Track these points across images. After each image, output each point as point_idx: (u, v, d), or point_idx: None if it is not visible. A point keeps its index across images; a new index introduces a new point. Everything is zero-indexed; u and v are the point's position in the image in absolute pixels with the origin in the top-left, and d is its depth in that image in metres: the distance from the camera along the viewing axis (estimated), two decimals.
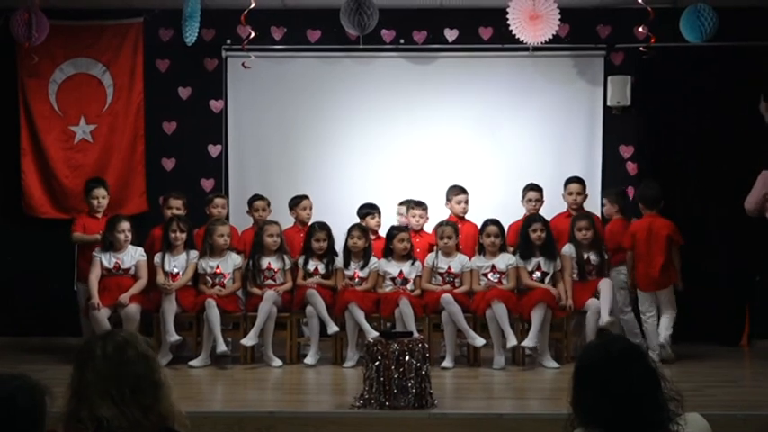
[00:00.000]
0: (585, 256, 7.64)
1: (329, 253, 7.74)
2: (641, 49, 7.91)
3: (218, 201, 8.21)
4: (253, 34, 7.77)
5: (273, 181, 8.75)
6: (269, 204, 8.20)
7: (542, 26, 7.57)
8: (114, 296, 7.46)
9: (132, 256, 7.68)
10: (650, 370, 3.02)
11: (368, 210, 8.08)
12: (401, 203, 8.25)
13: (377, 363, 5.48)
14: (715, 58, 8.45)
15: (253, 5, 7.15)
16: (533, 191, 8.10)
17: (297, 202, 8.13)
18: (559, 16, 7.58)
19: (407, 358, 5.50)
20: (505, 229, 7.79)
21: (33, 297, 8.81)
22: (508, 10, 7.62)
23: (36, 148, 8.88)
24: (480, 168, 8.66)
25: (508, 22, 7.65)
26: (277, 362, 7.37)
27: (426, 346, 5.80)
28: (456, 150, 8.75)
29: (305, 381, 6.96)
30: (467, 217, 8.19)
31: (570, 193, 8.05)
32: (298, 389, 6.55)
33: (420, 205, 8.10)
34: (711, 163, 8.72)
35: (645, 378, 2.98)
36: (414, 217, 8.07)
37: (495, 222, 7.68)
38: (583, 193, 8.08)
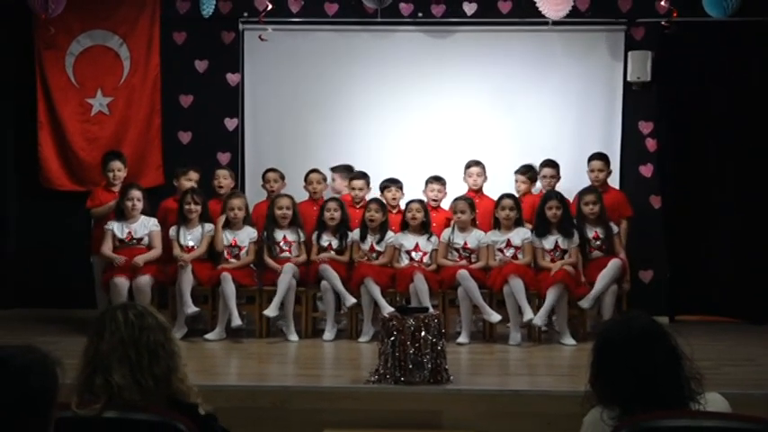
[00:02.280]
0: (594, 231, 7.58)
1: (342, 226, 7.70)
2: (663, 23, 7.81)
3: (220, 172, 8.21)
4: (270, 6, 7.71)
5: (289, 154, 8.71)
6: (282, 177, 8.18)
7: (563, 1, 7.48)
8: (127, 267, 7.42)
9: (145, 225, 7.66)
10: (671, 348, 3.00)
11: (386, 183, 8.04)
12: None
13: (392, 338, 5.45)
14: (738, 34, 8.33)
15: None
16: (548, 167, 8.04)
17: (306, 177, 8.11)
18: None
19: (423, 334, 5.46)
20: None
21: (50, 269, 8.84)
22: None
23: (53, 120, 8.87)
24: (499, 143, 8.60)
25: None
26: (294, 336, 7.36)
27: (442, 321, 5.76)
28: (474, 125, 8.68)
29: (320, 355, 6.94)
30: (485, 192, 8.14)
31: (592, 170, 7.98)
32: (313, 363, 6.53)
33: (438, 180, 8.06)
34: (732, 140, 8.63)
35: (666, 356, 2.96)
36: (432, 191, 8.02)
37: (511, 196, 7.63)
38: (606, 170, 8.00)
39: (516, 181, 8.07)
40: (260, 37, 8.04)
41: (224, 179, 8.13)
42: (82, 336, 7.06)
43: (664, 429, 2.79)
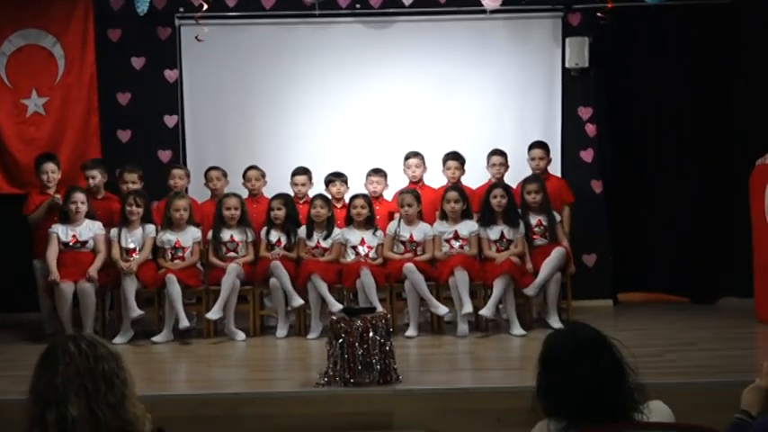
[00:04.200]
0: (537, 219, 7.64)
1: (290, 223, 7.68)
2: (598, 14, 7.85)
3: (176, 171, 8.11)
4: (206, 7, 7.62)
5: (231, 151, 8.66)
6: (225, 175, 8.14)
7: None
8: (72, 271, 7.35)
9: (90, 228, 7.58)
10: (615, 359, 3.03)
11: (330, 177, 8.03)
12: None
13: (340, 340, 5.45)
14: (674, 18, 8.44)
15: None
16: (497, 155, 8.08)
17: (244, 174, 8.08)
18: None
19: (371, 335, 5.47)
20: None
21: None
22: None
23: None
24: (440, 133, 8.60)
25: None
26: (240, 335, 7.33)
27: (390, 321, 5.77)
28: (415, 115, 8.69)
29: (269, 356, 6.91)
30: (426, 182, 8.16)
31: (533, 158, 8.05)
32: (262, 365, 6.50)
33: (378, 172, 8.06)
34: (670, 123, 8.78)
35: (610, 367, 2.99)
36: (372, 184, 8.03)
37: (456, 188, 7.66)
38: (546, 158, 8.07)
39: (450, 168, 8.06)
40: (197, 38, 7.94)
41: (180, 179, 8.04)
42: (25, 343, 7.01)
43: None
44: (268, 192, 8.10)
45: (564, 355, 3.00)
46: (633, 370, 3.03)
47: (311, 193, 8.01)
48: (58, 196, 7.77)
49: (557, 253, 7.43)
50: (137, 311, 7.21)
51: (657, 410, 3.02)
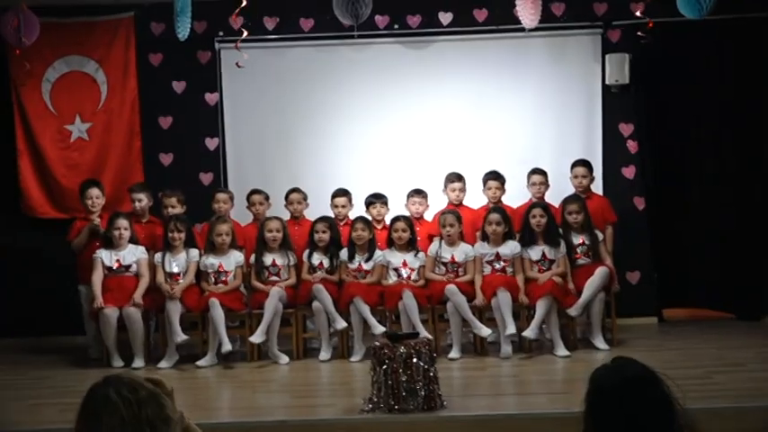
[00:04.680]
0: (579, 238, 7.60)
1: (333, 246, 7.70)
2: (639, 33, 7.79)
3: (220, 196, 8.16)
4: (246, 33, 7.67)
5: (272, 173, 8.69)
6: (267, 198, 8.17)
7: (537, 9, 7.47)
8: (117, 296, 7.46)
9: (133, 253, 7.68)
10: (664, 396, 2.99)
11: (371, 199, 8.04)
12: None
13: (384, 366, 5.45)
14: (714, 33, 8.36)
15: (244, 4, 7.03)
16: (537, 174, 8.05)
17: (286, 196, 8.12)
18: None
19: (415, 360, 5.46)
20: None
21: (37, 297, 8.77)
22: None
23: (32, 148, 8.82)
24: (480, 152, 8.57)
25: (516, 3, 7.53)
26: (284, 359, 7.36)
27: (433, 346, 5.76)
28: (455, 135, 8.68)
29: (313, 380, 6.94)
30: (465, 203, 8.14)
31: (576, 176, 8.01)
32: (306, 391, 6.50)
33: (419, 193, 8.07)
34: (712, 139, 8.69)
35: (659, 405, 2.95)
36: (413, 205, 8.03)
37: (497, 210, 7.63)
38: (589, 176, 8.03)
39: (490, 188, 8.04)
40: (237, 64, 7.96)
41: (224, 203, 8.09)
42: (71, 368, 7.08)
43: None
44: (308, 214, 8.13)
45: (610, 392, 2.96)
46: (683, 407, 3.00)
47: (351, 215, 8.03)
48: (98, 221, 7.86)
49: (600, 272, 7.38)
50: (181, 336, 7.27)
51: None
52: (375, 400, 5.46)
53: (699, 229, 8.73)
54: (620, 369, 3.05)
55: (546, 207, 7.65)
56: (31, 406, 6.16)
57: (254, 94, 8.81)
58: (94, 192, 7.99)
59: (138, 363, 7.38)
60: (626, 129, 8.71)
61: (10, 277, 8.83)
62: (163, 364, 7.33)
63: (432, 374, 5.50)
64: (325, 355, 7.38)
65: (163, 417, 2.93)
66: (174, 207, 8.00)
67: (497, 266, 7.50)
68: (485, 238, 7.59)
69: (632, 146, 8.71)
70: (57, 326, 8.65)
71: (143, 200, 8.09)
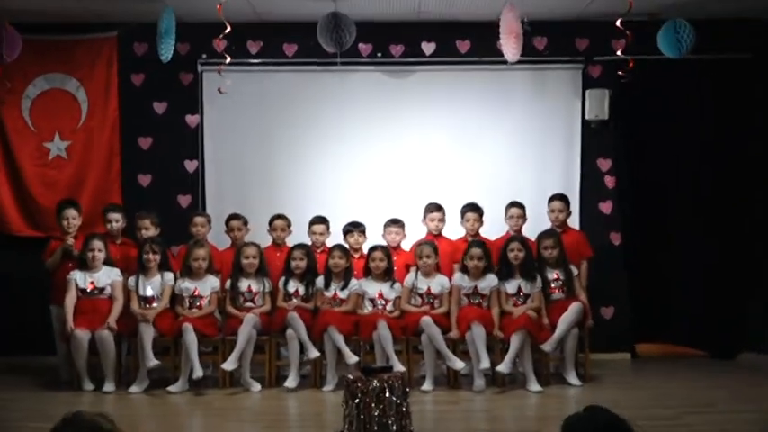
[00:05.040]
0: (554, 273, 7.62)
1: (309, 273, 7.69)
2: (619, 73, 7.85)
3: (197, 219, 8.13)
4: (229, 59, 7.68)
5: (251, 197, 8.68)
6: (245, 223, 8.14)
7: (519, 43, 7.53)
8: (90, 319, 7.41)
9: (108, 275, 7.63)
10: None
11: (349, 227, 8.03)
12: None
13: (357, 400, 5.42)
14: (693, 71, 8.45)
15: (228, 30, 7.03)
16: (515, 207, 8.07)
17: (269, 223, 8.08)
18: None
19: (387, 395, 5.43)
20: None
21: (9, 316, 8.71)
22: (500, 27, 7.53)
23: (9, 164, 8.78)
24: (459, 183, 8.59)
25: (499, 39, 7.59)
26: (256, 386, 7.33)
27: (406, 380, 5.73)
28: (434, 165, 8.71)
29: (285, 410, 6.89)
30: (443, 233, 8.15)
31: (552, 211, 8.03)
32: (279, 422, 6.45)
33: (396, 223, 8.07)
34: (689, 176, 8.76)
35: None
36: (389, 234, 8.03)
37: (479, 244, 7.63)
38: (565, 211, 8.06)
39: (468, 220, 8.06)
40: (219, 90, 7.96)
41: (201, 227, 8.06)
42: (42, 391, 6.99)
43: None
44: (288, 240, 8.11)
45: None
46: None
47: (328, 242, 8.02)
48: (71, 241, 7.80)
49: (574, 308, 7.40)
50: (153, 361, 7.22)
51: None
52: None
53: (675, 265, 8.79)
54: (592, 418, 3.07)
55: (524, 241, 7.67)
56: (1, 430, 6.07)
57: (236, 117, 8.81)
58: (71, 212, 7.93)
59: (109, 387, 7.32)
60: (604, 164, 8.77)
61: None
62: (134, 388, 7.28)
63: (404, 409, 5.48)
64: (292, 383, 7.31)
65: None
66: (148, 229, 7.97)
67: (474, 301, 7.50)
68: (464, 270, 7.59)
69: (610, 181, 8.77)
70: (28, 346, 8.56)
71: (119, 221, 8.04)
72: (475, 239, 7.81)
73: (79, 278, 7.56)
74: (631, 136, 8.73)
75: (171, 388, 7.25)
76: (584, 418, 3.11)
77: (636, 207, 8.79)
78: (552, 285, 7.61)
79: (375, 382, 5.48)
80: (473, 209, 8.03)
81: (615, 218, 8.75)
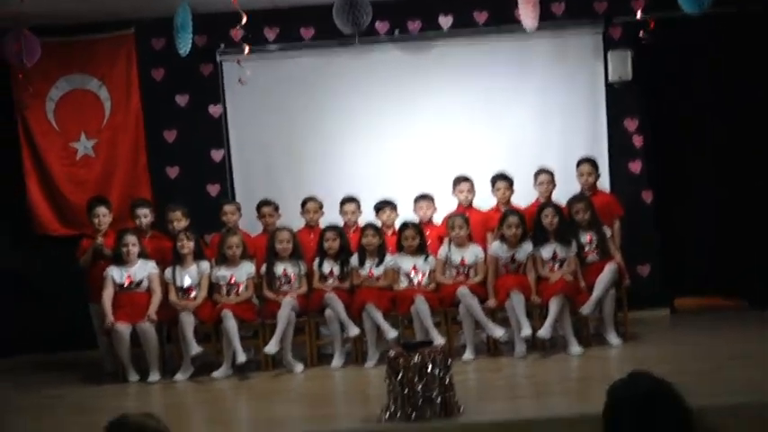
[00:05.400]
0: (587, 236, 7.61)
1: (343, 253, 7.73)
2: (640, 35, 7.78)
3: (227, 208, 8.17)
4: (247, 49, 7.70)
5: (280, 182, 8.74)
6: (276, 209, 8.18)
7: (536, 11, 7.49)
8: (129, 313, 7.47)
9: (144, 268, 7.69)
10: (680, 410, 3.02)
11: (380, 205, 8.06)
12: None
13: (399, 376, 5.46)
14: (714, 26, 8.35)
15: (244, 20, 7.04)
16: (544, 173, 8.06)
17: (302, 206, 8.13)
18: None
19: (429, 369, 5.47)
20: None
21: (49, 314, 8.80)
22: None
23: (39, 166, 8.89)
24: (486, 154, 8.59)
25: (517, 8, 7.56)
26: (299, 367, 7.39)
27: (447, 353, 5.74)
28: (460, 137, 8.70)
29: (328, 389, 6.96)
30: (474, 204, 8.16)
31: (581, 174, 8.01)
32: (323, 400, 6.52)
33: (426, 197, 8.09)
34: (717, 128, 8.70)
35: (675, 419, 2.98)
36: (420, 210, 8.05)
37: (515, 213, 7.64)
38: (594, 173, 8.03)
39: (499, 189, 8.06)
40: (240, 80, 7.95)
41: (231, 215, 8.11)
42: (88, 385, 7.10)
43: None
44: (321, 222, 8.14)
45: (630, 408, 2.99)
46: (698, 415, 3.01)
47: (360, 221, 8.05)
48: (101, 240, 7.85)
49: (609, 269, 7.40)
50: (196, 349, 7.30)
51: None
52: (392, 409, 5.46)
53: (709, 219, 8.75)
54: (636, 383, 3.09)
55: (556, 206, 7.66)
56: (51, 426, 6.17)
57: (258, 104, 8.84)
58: (101, 210, 7.98)
59: (154, 377, 7.41)
60: (631, 124, 8.74)
61: (23, 294, 8.88)
62: (179, 376, 7.37)
63: (447, 381, 5.51)
64: (338, 362, 7.41)
65: None
66: (180, 221, 8.00)
67: (512, 268, 7.52)
68: (502, 239, 7.60)
69: (638, 140, 8.73)
70: (69, 342, 8.68)
71: (147, 216, 8.07)
72: (509, 208, 7.81)
73: (116, 274, 7.63)
74: (657, 94, 8.68)
75: (215, 374, 7.33)
76: (628, 383, 3.12)
77: (665, 164, 8.73)
78: (586, 248, 7.60)
79: (417, 357, 5.50)
80: (503, 178, 8.04)
81: (645, 176, 8.72)
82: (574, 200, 7.71)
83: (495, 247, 7.61)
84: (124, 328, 7.38)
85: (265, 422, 5.90)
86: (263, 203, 8.19)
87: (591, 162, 8.06)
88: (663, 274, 8.73)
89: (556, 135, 8.66)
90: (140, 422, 2.91)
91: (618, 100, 8.68)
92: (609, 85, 8.65)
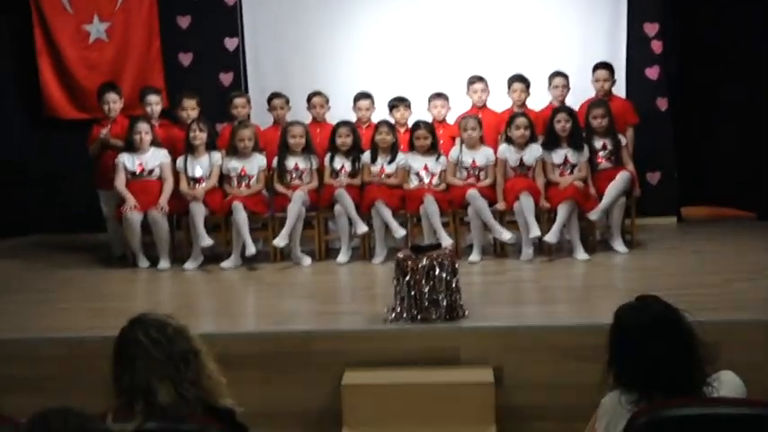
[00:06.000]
0: (601, 142, 7.57)
1: (355, 150, 7.72)
2: None
3: (238, 101, 8.10)
4: None
5: (292, 74, 8.67)
6: (287, 102, 8.15)
7: None
8: (141, 200, 7.45)
9: (156, 157, 7.67)
10: (685, 332, 3.07)
11: (394, 102, 8.00)
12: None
13: (407, 278, 5.53)
14: None
15: None
16: (559, 77, 7.97)
17: (308, 100, 8.09)
18: None
19: (437, 272, 5.52)
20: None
21: (59, 196, 8.89)
22: None
23: (51, 48, 8.84)
24: (502, 54, 8.48)
25: None
26: (307, 260, 7.47)
27: (455, 257, 5.80)
28: (477, 37, 8.58)
29: (337, 284, 7.05)
30: (489, 105, 8.10)
31: (597, 80, 7.91)
32: (330, 296, 6.59)
33: (440, 96, 8.02)
34: (740, 36, 8.55)
35: (680, 341, 3.04)
36: (435, 108, 8.00)
37: (524, 114, 7.58)
38: (610, 80, 7.93)
39: (515, 90, 7.98)
40: None
41: (242, 108, 8.06)
42: (96, 268, 7.19)
43: (681, 419, 2.89)
44: (328, 117, 8.12)
45: (637, 333, 3.05)
46: (703, 342, 3.07)
47: (373, 118, 8.01)
48: (105, 133, 7.82)
49: (622, 177, 7.38)
50: (207, 240, 7.34)
51: (728, 383, 3.07)
52: (398, 310, 5.55)
53: (722, 128, 8.69)
54: (644, 310, 3.13)
55: (571, 111, 7.59)
56: (61, 310, 6.29)
57: None
58: (111, 96, 7.90)
59: (164, 264, 7.49)
60: (651, 29, 8.59)
61: (33, 176, 8.95)
62: (188, 265, 7.45)
63: (454, 285, 5.57)
64: (343, 258, 7.46)
65: (192, 350, 3.03)
66: (194, 109, 7.96)
67: (521, 171, 7.51)
68: (509, 141, 7.57)
69: (657, 46, 8.60)
70: (80, 223, 8.77)
71: (158, 103, 8.00)
72: (518, 111, 7.75)
73: (127, 161, 7.62)
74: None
75: (224, 264, 7.40)
76: (636, 308, 3.17)
77: (683, 71, 8.62)
78: (600, 155, 7.56)
79: (425, 260, 5.55)
80: (519, 79, 7.95)
81: (662, 83, 8.63)
82: (593, 105, 7.63)
83: (503, 149, 7.58)
84: (135, 216, 7.41)
85: (271, 317, 5.98)
86: (275, 96, 8.15)
87: (608, 67, 7.95)
88: (673, 182, 8.71)
89: (574, 36, 8.55)
90: (160, 319, 2.99)
91: (639, 3, 8.52)
92: None
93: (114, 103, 7.90)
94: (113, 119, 7.90)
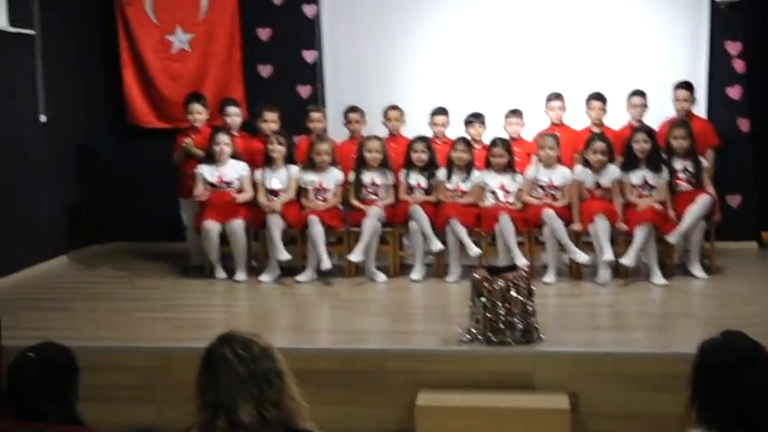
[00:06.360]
0: (682, 164, 7.46)
1: (430, 166, 7.73)
2: None
3: (314, 115, 8.19)
4: None
5: (369, 87, 8.68)
6: (363, 115, 8.19)
7: None
8: (219, 212, 7.56)
9: (235, 169, 7.77)
10: None
11: (470, 118, 8.01)
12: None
13: (483, 299, 5.52)
14: None
15: None
16: (637, 96, 7.91)
17: (384, 114, 8.12)
18: None
19: (513, 294, 5.51)
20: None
21: (142, 205, 9.06)
22: None
23: (135, 59, 9.04)
24: (580, 72, 8.42)
25: None
26: (381, 277, 7.50)
27: (531, 279, 5.78)
28: (555, 54, 8.53)
29: (410, 303, 7.05)
30: (566, 122, 8.06)
31: (678, 99, 7.82)
32: (404, 315, 6.59)
33: (516, 113, 8.01)
34: None
35: (766, 380, 2.98)
36: (510, 125, 7.98)
37: (603, 138, 7.51)
38: (690, 99, 7.83)
39: (593, 108, 7.92)
40: None
41: (318, 122, 8.14)
42: (176, 278, 7.33)
43: None
44: (403, 130, 8.14)
45: (722, 371, 3.00)
46: None
47: (448, 134, 8.02)
48: (189, 141, 7.95)
49: (703, 200, 7.27)
50: (285, 255, 7.40)
51: None
52: (473, 331, 5.55)
53: None
54: (730, 346, 3.08)
55: (650, 131, 7.51)
56: (140, 320, 6.40)
57: (353, 6, 8.79)
58: (196, 107, 8.04)
59: (241, 276, 7.59)
60: (733, 47, 8.44)
61: (117, 185, 9.13)
62: (264, 277, 7.53)
63: (529, 308, 5.56)
64: (417, 275, 7.47)
65: (276, 371, 3.06)
66: (275, 122, 8.05)
67: (597, 194, 7.45)
68: (586, 164, 7.51)
69: (739, 65, 8.45)
70: (158, 232, 8.93)
71: (239, 115, 8.12)
72: (597, 133, 7.68)
73: (207, 172, 7.73)
74: (763, 17, 8.34)
75: (299, 278, 7.48)
76: (722, 344, 3.11)
77: (766, 91, 8.46)
78: (680, 176, 7.45)
79: (501, 282, 5.55)
80: (598, 98, 7.90)
81: (744, 103, 8.47)
82: (674, 125, 7.53)
83: (579, 171, 7.53)
84: (214, 226, 7.53)
85: (345, 334, 6.02)
86: (351, 109, 8.20)
87: (689, 87, 7.85)
88: (754, 205, 8.55)
89: (655, 55, 8.43)
90: (247, 338, 3.03)
91: (722, 22, 8.38)
92: (714, 5, 8.34)
93: (200, 113, 8.04)
94: (198, 129, 8.02)
